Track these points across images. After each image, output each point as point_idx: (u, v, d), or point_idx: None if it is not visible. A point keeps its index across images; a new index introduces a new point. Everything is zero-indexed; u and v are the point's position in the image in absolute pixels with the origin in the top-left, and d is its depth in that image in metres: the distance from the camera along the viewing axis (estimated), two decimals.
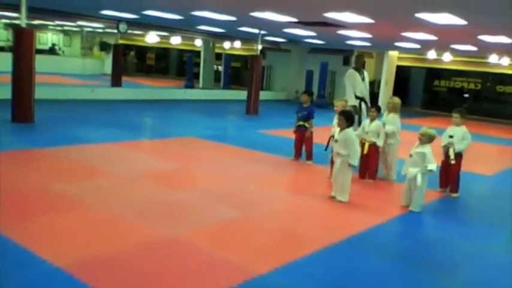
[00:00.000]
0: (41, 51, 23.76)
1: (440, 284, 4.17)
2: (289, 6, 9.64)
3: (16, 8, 10.59)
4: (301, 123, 8.48)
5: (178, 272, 3.89)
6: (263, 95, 17.73)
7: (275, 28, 14.48)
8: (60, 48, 30.91)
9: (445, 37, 12.54)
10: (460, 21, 8.99)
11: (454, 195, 7.01)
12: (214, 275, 3.91)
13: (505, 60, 18.03)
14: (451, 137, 6.88)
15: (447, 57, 19.09)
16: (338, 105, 7.52)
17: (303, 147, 8.52)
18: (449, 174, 6.97)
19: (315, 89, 21.16)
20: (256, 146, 9.59)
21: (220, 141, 10.13)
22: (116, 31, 17.44)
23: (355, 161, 6.05)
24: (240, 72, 27.15)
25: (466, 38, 12.30)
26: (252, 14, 11.11)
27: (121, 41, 19.69)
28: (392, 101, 7.88)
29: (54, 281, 3.59)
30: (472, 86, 22.28)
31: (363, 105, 9.14)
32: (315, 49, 22.26)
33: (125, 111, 14.02)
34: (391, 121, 7.63)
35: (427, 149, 5.99)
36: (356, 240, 4.92)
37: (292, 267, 4.16)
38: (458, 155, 6.87)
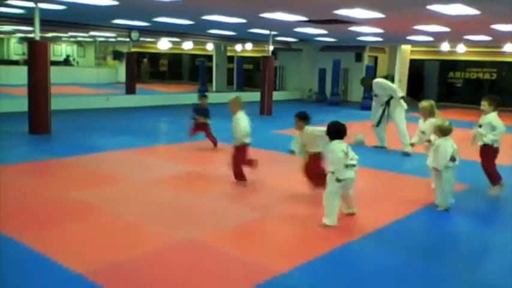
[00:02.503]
0: (55, 63, 24.08)
1: (464, 278, 4.12)
2: (298, 5, 9.62)
3: (30, 22, 10.78)
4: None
5: (199, 276, 3.90)
6: (276, 95, 17.72)
7: (285, 28, 14.46)
8: (74, 59, 31.31)
9: (458, 28, 12.38)
10: (472, 11, 8.87)
11: (491, 191, 6.56)
12: (235, 276, 3.92)
13: None
14: (480, 126, 6.59)
15: (461, 48, 18.82)
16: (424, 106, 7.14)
17: None
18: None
19: (328, 87, 21.09)
20: (271, 146, 9.58)
21: None
22: (128, 39, 17.60)
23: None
24: (252, 74, 27.16)
25: (479, 27, 12.14)
26: (261, 15, 11.11)
27: (134, 49, 19.87)
28: (424, 106, 7.17)
29: (73, 287, 3.64)
30: (487, 76, 21.95)
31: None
32: (326, 47, 22.17)
33: (140, 117, 14.13)
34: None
35: (440, 141, 5.73)
36: (375, 236, 4.89)
37: (312, 265, 4.15)
38: (488, 147, 6.48)
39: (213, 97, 20.72)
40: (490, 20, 10.52)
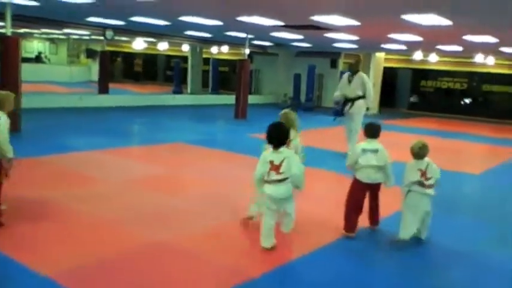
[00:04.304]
0: (27, 60, 23.57)
1: (429, 284, 4.19)
2: (275, 10, 9.66)
3: (1, 17, 10.50)
4: None
5: (170, 278, 3.86)
6: (251, 99, 17.75)
7: (262, 32, 14.51)
8: (46, 57, 30.68)
9: (431, 38, 12.66)
10: (445, 22, 9.08)
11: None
12: (207, 280, 3.90)
13: (490, 60, 18.22)
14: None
15: (433, 57, 19.25)
16: None
17: None
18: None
19: (302, 92, 21.24)
20: (245, 150, 9.57)
21: (210, 146, 10.11)
22: (102, 38, 17.36)
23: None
24: (228, 77, 27.15)
25: (451, 38, 12.43)
26: (238, 18, 11.12)
27: (108, 48, 19.61)
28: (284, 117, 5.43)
29: None
30: (458, 85, 22.50)
31: (349, 103, 9.68)
32: (302, 52, 22.34)
33: (113, 118, 13.95)
34: None
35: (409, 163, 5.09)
36: (343, 243, 4.94)
37: (285, 270, 4.16)
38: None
39: (187, 99, 20.73)
40: (462, 31, 10.79)
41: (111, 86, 18.88)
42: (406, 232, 4.94)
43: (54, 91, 20.03)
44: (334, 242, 4.92)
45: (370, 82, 9.95)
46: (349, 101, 9.69)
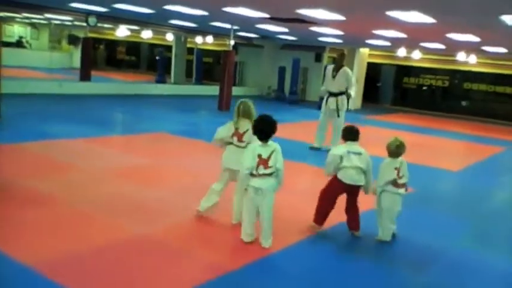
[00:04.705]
0: (7, 44, 23.09)
1: (406, 281, 4.26)
2: (261, 1, 9.63)
3: None
4: None
5: (149, 270, 3.85)
6: (235, 90, 17.68)
7: (247, 24, 14.44)
8: (27, 41, 30.10)
9: (415, 35, 12.76)
10: (429, 20, 9.15)
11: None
12: (187, 272, 3.90)
13: (472, 58, 18.46)
14: None
15: (416, 54, 19.43)
16: None
17: None
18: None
19: (287, 85, 21.25)
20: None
21: (192, 136, 10.07)
22: (85, 24, 17.08)
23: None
24: (212, 68, 26.99)
25: (434, 36, 12.54)
26: (224, 9, 11.05)
27: (90, 34, 19.30)
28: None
29: (22, 279, 3.52)
30: (440, 83, 22.77)
31: (331, 99, 9.68)
32: (287, 45, 22.32)
33: (94, 106, 13.78)
34: None
35: (384, 161, 5.11)
36: (324, 235, 4.99)
37: (264, 262, 4.19)
38: None
39: (171, 89, 20.57)
40: (445, 29, 10.89)
41: (93, 73, 18.59)
42: (387, 234, 5.00)
43: (34, 77, 19.68)
44: (313, 235, 4.96)
45: (354, 77, 9.94)
46: (332, 96, 9.71)
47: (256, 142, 4.47)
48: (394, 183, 4.93)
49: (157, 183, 6.41)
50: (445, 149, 12.38)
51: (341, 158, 4.91)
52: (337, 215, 5.16)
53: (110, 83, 19.77)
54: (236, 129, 5.00)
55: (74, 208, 5.09)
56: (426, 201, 6.84)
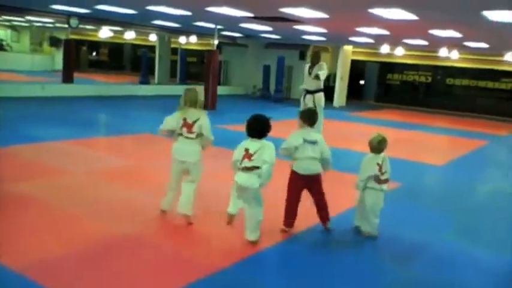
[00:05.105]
0: None
1: (392, 276, 4.29)
2: (245, 1, 9.62)
3: None
4: None
5: (139, 270, 3.83)
6: (220, 90, 17.67)
7: (231, 23, 14.43)
8: (8, 44, 29.70)
9: (398, 32, 12.87)
10: (411, 16, 9.23)
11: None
12: (176, 272, 3.88)
13: (454, 54, 18.67)
14: None
15: (399, 51, 19.59)
16: None
17: None
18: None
19: (272, 84, 21.28)
20: (214, 141, 9.53)
21: None
22: (66, 26, 16.89)
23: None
24: (196, 67, 26.91)
25: (417, 32, 12.66)
26: (207, 8, 11.02)
27: (72, 36, 19.11)
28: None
29: (9, 284, 3.47)
30: (423, 79, 22.99)
31: (308, 96, 9.73)
32: (271, 44, 22.34)
33: (77, 108, 13.64)
34: None
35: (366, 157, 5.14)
36: (307, 235, 5.01)
37: (252, 260, 4.18)
38: None
39: (155, 89, 20.45)
40: (427, 26, 11.00)
41: (76, 75, 18.41)
42: (374, 228, 5.02)
43: (16, 80, 19.41)
44: (299, 233, 4.97)
45: (327, 70, 9.82)
46: (309, 93, 9.74)
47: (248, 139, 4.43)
48: (377, 179, 4.95)
49: (143, 184, 6.37)
50: (429, 143, 12.50)
51: (296, 148, 4.78)
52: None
53: (93, 84, 19.59)
54: (184, 119, 4.90)
55: (59, 210, 5.04)
56: (411, 196, 6.90)
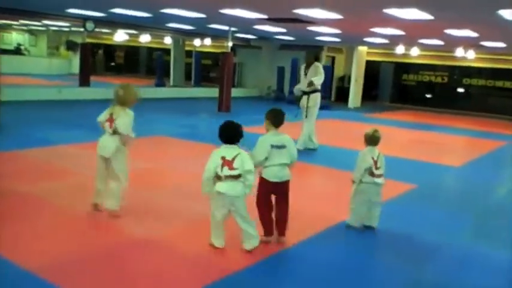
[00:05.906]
0: (5, 52, 23.12)
1: (408, 276, 4.25)
2: (258, 2, 9.63)
3: None
4: None
5: (153, 272, 3.85)
6: (235, 92, 17.70)
7: (245, 25, 14.46)
8: (25, 48, 30.16)
9: (413, 32, 12.75)
10: (426, 16, 9.15)
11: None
12: (191, 274, 3.89)
13: (470, 54, 18.44)
14: None
15: (415, 51, 19.42)
16: None
17: None
18: None
19: (286, 85, 21.25)
20: None
21: (193, 139, 10.07)
22: (82, 30, 17.10)
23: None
24: (211, 70, 27.02)
25: (433, 32, 12.54)
26: (221, 11, 11.06)
27: (88, 40, 19.32)
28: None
29: (24, 284, 3.51)
30: (439, 79, 22.75)
31: (304, 97, 9.67)
32: (285, 45, 22.32)
33: (94, 111, 13.61)
34: None
35: (362, 151, 5.15)
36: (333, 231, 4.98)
37: (267, 263, 4.18)
38: None
39: (170, 92, 20.57)
40: (443, 25, 10.89)
41: (92, 78, 18.63)
42: (354, 219, 5.08)
43: (34, 84, 19.69)
44: (312, 236, 4.95)
45: (323, 74, 9.71)
46: (305, 94, 9.64)
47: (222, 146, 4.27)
48: (371, 172, 4.96)
49: (159, 186, 6.41)
50: (446, 144, 12.37)
51: (265, 158, 4.45)
52: (340, 214, 5.14)
53: (109, 88, 19.73)
54: (110, 115, 5.02)
55: (75, 212, 5.09)
56: (427, 197, 6.83)
